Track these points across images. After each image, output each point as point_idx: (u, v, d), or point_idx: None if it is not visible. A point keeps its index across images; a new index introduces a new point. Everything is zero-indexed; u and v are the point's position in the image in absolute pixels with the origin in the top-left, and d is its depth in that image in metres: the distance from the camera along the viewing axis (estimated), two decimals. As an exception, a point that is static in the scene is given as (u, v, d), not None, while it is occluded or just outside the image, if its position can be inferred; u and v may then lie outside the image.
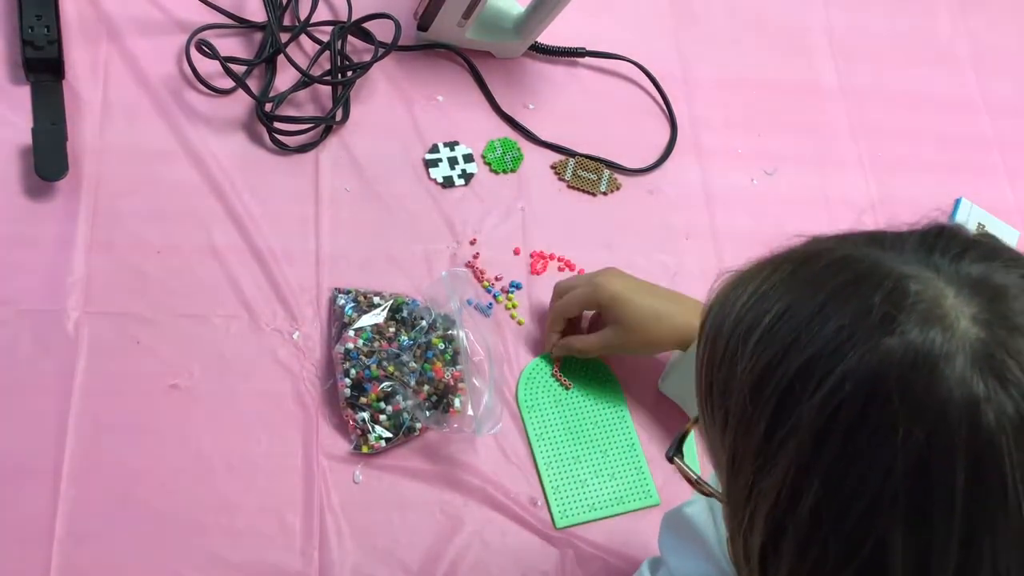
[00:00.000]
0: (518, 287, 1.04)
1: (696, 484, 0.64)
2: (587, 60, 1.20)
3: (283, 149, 1.04)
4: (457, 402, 0.93)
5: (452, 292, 0.96)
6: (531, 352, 1.01)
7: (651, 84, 1.20)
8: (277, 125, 1.03)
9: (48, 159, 0.95)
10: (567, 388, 1.00)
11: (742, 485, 0.54)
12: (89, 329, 0.91)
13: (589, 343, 0.99)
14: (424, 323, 0.95)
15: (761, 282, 0.56)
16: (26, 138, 0.96)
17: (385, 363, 0.92)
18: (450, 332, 0.95)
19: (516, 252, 1.06)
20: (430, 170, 1.07)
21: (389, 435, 0.91)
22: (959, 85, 1.34)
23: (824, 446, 0.50)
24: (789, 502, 0.51)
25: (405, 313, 0.96)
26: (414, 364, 0.93)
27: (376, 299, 0.96)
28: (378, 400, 0.92)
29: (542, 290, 1.04)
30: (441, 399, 0.93)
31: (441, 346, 0.94)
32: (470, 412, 0.92)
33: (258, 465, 0.90)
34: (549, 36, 1.14)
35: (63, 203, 0.96)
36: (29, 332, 0.90)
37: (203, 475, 0.88)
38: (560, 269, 1.06)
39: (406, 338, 0.94)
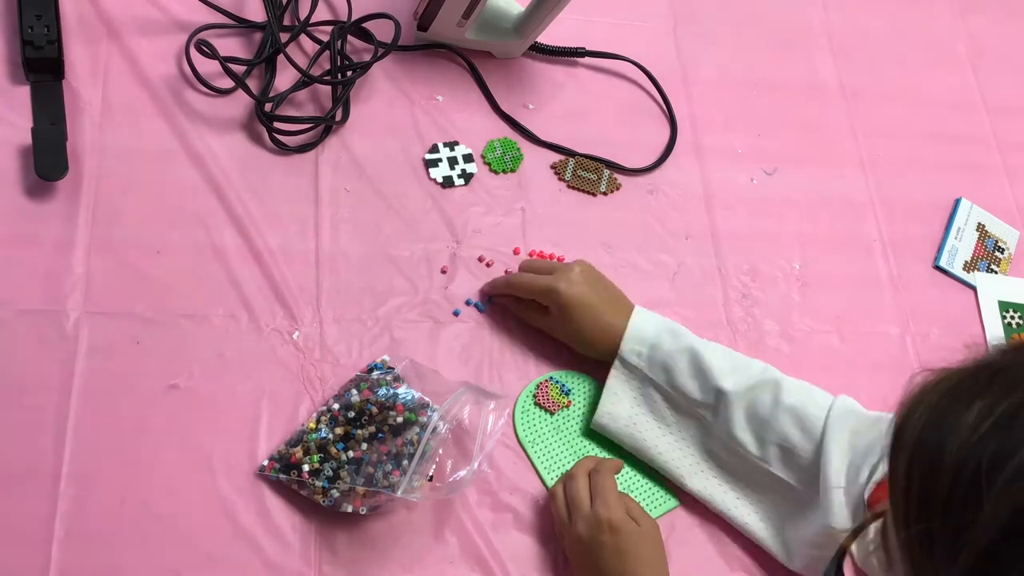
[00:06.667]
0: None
1: None
2: (587, 60, 1.20)
3: (283, 149, 1.04)
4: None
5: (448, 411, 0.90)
6: (525, 368, 1.01)
7: (651, 84, 1.20)
8: (277, 125, 1.03)
9: (48, 159, 0.95)
10: (552, 413, 0.98)
11: None
12: (89, 329, 0.91)
13: (531, 316, 1.00)
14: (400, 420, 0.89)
15: (994, 402, 0.50)
16: (26, 138, 0.96)
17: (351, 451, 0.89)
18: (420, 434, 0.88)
19: (516, 252, 1.06)
20: (430, 170, 1.07)
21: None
22: (959, 85, 1.34)
23: None
24: None
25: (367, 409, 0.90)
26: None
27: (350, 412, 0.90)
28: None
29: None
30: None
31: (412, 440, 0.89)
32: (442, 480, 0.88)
33: (258, 465, 0.90)
34: (549, 36, 1.14)
35: (63, 203, 0.96)
36: (29, 332, 0.90)
37: (203, 475, 0.88)
38: (560, 269, 1.06)
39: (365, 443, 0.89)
